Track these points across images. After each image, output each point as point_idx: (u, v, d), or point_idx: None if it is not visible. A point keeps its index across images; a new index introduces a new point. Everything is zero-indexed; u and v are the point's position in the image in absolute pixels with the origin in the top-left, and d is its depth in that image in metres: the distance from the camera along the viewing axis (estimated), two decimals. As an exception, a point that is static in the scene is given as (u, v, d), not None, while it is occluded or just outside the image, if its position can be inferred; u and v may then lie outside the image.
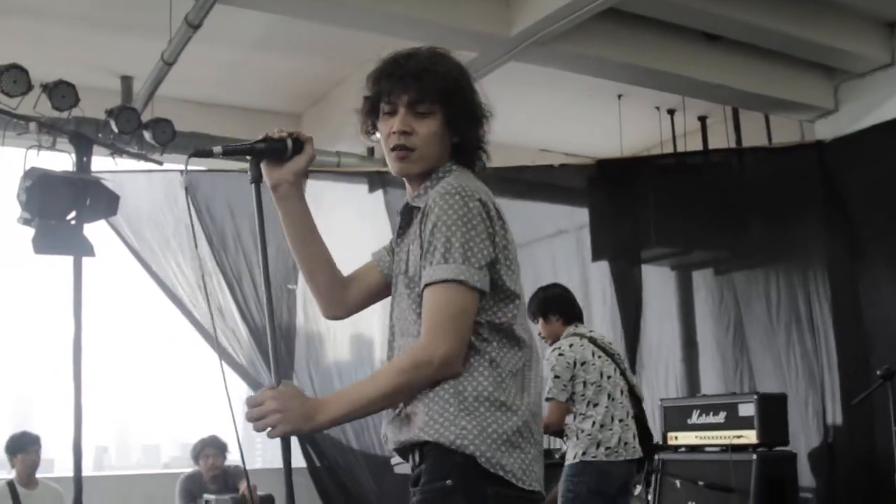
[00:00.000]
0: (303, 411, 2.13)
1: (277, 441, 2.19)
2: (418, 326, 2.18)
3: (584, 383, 5.17)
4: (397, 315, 2.31)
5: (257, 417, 2.12)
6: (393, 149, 2.30)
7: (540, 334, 5.39)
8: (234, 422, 2.33)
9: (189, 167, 2.39)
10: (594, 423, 5.04)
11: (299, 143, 2.33)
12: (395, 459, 4.86)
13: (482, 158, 2.46)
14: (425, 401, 2.15)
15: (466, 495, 2.10)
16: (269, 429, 2.12)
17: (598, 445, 5.02)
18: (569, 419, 5.16)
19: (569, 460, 5.08)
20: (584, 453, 5.04)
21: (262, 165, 2.32)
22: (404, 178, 2.39)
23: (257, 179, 2.31)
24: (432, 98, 2.29)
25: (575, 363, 5.19)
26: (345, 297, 2.51)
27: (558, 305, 5.48)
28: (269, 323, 2.34)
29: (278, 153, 2.33)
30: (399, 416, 2.22)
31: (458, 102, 2.34)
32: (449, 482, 2.11)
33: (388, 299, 2.42)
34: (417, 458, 2.20)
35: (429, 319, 2.14)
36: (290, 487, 2.30)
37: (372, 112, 2.35)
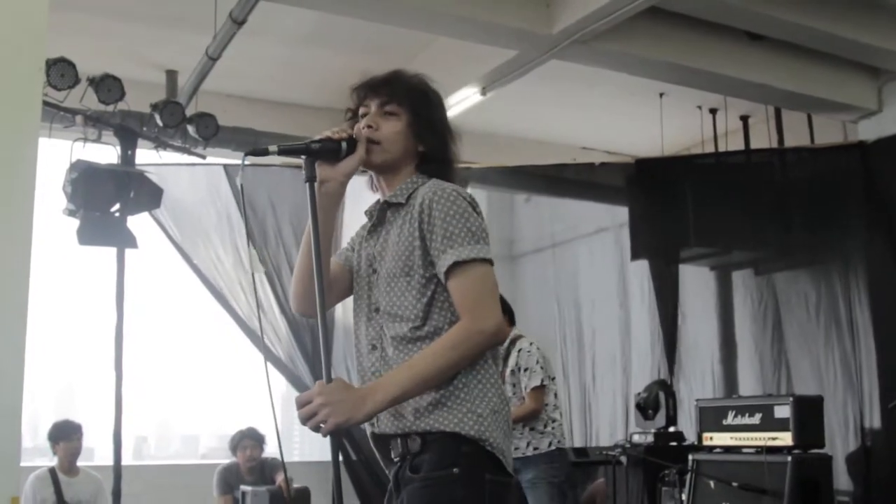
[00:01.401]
0: (353, 399, 2.20)
1: (315, 435, 2.23)
2: (417, 310, 2.34)
3: (551, 378, 5.57)
4: (387, 303, 2.39)
5: (308, 416, 2.19)
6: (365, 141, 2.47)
7: None
8: (274, 414, 2.41)
9: (241, 162, 2.44)
10: (561, 413, 5.43)
11: (353, 145, 2.43)
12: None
13: (451, 177, 2.53)
14: (440, 391, 2.27)
15: (469, 485, 2.22)
16: (322, 425, 2.18)
17: (563, 435, 5.51)
18: None
19: (543, 449, 5.35)
20: (559, 441, 5.47)
21: (317, 165, 2.41)
22: (376, 178, 2.57)
23: (312, 179, 2.39)
24: (399, 100, 2.50)
25: (544, 358, 5.52)
26: (329, 297, 2.56)
27: (505, 307, 5.54)
28: (321, 321, 2.36)
29: (333, 154, 2.42)
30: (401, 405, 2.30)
31: (423, 110, 2.52)
32: (456, 470, 2.22)
33: None
34: (416, 446, 2.29)
35: (469, 295, 2.29)
36: (338, 483, 2.30)
37: (353, 118, 2.55)
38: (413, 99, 2.52)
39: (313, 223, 2.36)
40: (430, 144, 2.52)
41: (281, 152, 2.37)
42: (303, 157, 2.40)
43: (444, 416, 2.26)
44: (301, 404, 2.21)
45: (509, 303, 5.64)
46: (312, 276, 2.37)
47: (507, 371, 5.46)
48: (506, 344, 5.50)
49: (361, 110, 2.53)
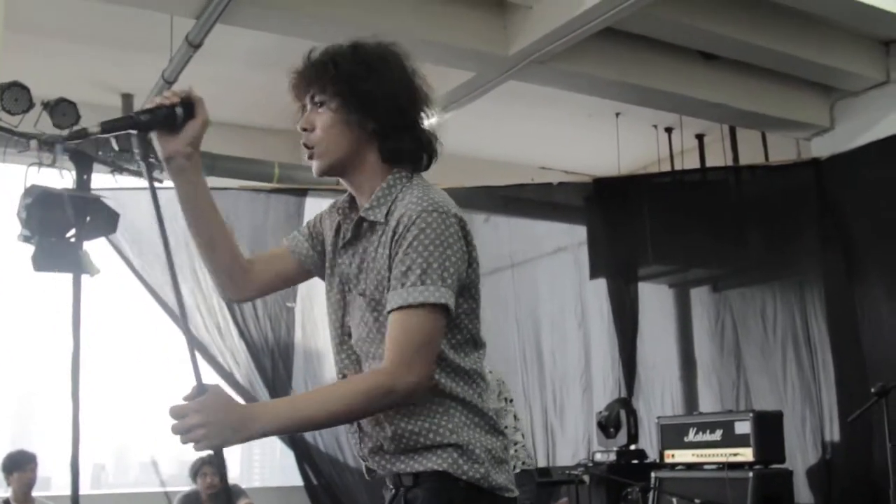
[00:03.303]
0: (230, 421, 1.92)
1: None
2: (384, 349, 2.04)
3: (510, 400, 5.59)
4: (358, 336, 2.17)
5: (182, 430, 1.92)
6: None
7: None
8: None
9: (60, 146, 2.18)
10: (523, 434, 5.43)
11: (190, 107, 2.10)
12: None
13: (420, 152, 2.21)
14: (428, 437, 2.07)
15: None
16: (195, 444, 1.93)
17: (529, 456, 5.56)
18: None
19: None
20: (524, 463, 5.47)
21: (154, 138, 2.10)
22: (342, 182, 2.25)
23: (146, 157, 2.14)
24: (320, 87, 2.14)
25: (498, 381, 5.50)
26: (248, 279, 2.33)
27: None
28: (182, 322, 2.18)
29: (168, 122, 2.08)
30: (389, 449, 2.12)
31: (349, 85, 2.11)
32: None
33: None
34: (409, 481, 2.10)
35: (396, 345, 1.99)
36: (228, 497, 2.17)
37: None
38: (332, 77, 2.12)
39: (156, 208, 2.07)
40: (379, 119, 2.12)
41: (104, 130, 2.00)
42: (132, 133, 2.06)
43: (433, 456, 2.06)
44: (175, 416, 1.92)
45: None
46: (214, 254, 2.20)
47: None
48: None
49: (302, 108, 2.21)
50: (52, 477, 7.06)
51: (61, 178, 5.38)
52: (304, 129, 2.17)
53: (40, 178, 5.24)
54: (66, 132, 5.82)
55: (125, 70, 7.38)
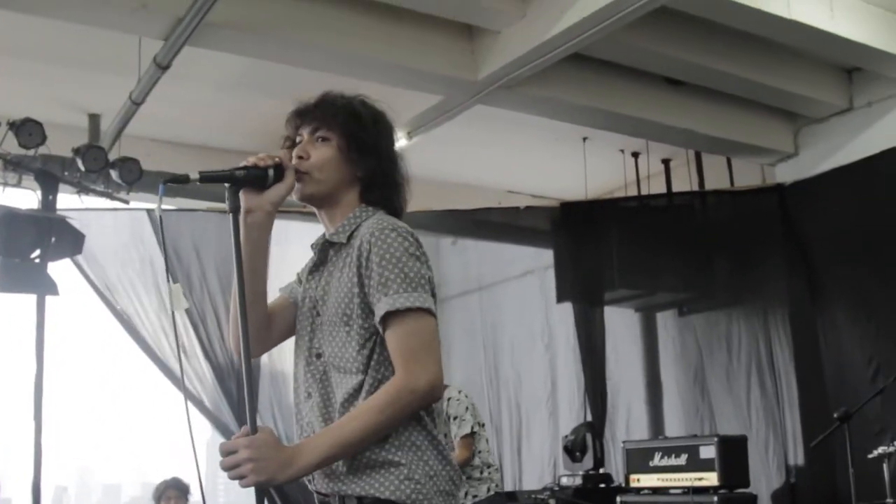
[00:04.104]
0: (279, 460, 2.06)
1: (240, 484, 2.15)
2: (359, 362, 2.17)
3: (480, 424, 5.59)
4: (330, 352, 2.24)
5: (230, 466, 2.05)
6: None
7: None
8: (197, 464, 2.32)
9: (159, 203, 2.26)
10: (494, 457, 5.45)
11: (281, 172, 2.27)
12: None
13: (399, 204, 2.41)
14: (374, 451, 2.13)
15: None
16: (242, 480, 2.05)
17: (501, 480, 5.44)
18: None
19: (481, 496, 5.34)
20: (496, 486, 5.49)
21: (241, 193, 2.26)
22: (317, 212, 2.40)
23: (236, 209, 2.24)
24: (328, 124, 2.34)
25: (472, 405, 5.51)
26: (267, 337, 2.44)
27: None
28: (244, 365, 2.20)
29: (259, 181, 2.26)
30: (337, 464, 2.16)
31: (355, 132, 2.34)
32: None
33: None
34: None
35: (402, 350, 2.12)
36: None
37: (291, 147, 2.38)
38: (343, 121, 2.34)
39: (236, 257, 2.20)
40: (368, 168, 2.35)
41: (203, 179, 2.17)
42: (226, 185, 2.23)
43: (378, 480, 2.12)
44: (225, 452, 2.07)
45: None
46: (252, 311, 2.24)
47: None
48: None
49: (297, 139, 2.38)
50: (13, 499, 6.96)
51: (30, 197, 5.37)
52: (300, 157, 2.33)
53: (5, 199, 5.23)
54: (33, 152, 5.80)
55: (92, 90, 7.34)
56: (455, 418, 5.41)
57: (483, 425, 5.70)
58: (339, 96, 2.40)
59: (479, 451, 5.51)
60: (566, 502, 6.72)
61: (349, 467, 2.14)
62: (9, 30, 6.33)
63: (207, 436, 7.66)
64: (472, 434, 5.43)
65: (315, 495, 2.30)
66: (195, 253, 7.59)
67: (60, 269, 5.39)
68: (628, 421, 8.23)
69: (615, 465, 7.55)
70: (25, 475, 5.03)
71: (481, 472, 5.37)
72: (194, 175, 2.16)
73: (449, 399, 5.45)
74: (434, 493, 2.12)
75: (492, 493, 5.38)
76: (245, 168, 2.25)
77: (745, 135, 8.00)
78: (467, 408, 5.45)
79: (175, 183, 2.16)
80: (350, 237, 2.28)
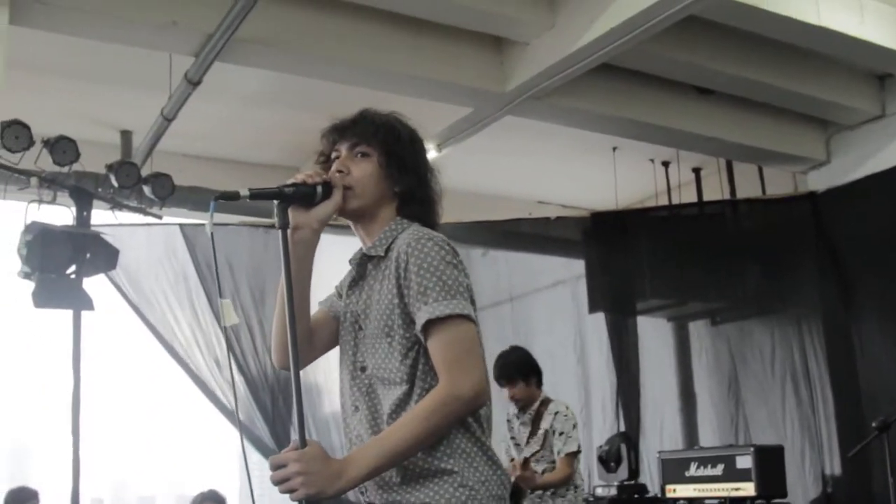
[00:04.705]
0: (328, 473, 2.07)
1: (278, 497, 2.14)
2: (402, 372, 2.19)
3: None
4: (374, 364, 2.26)
5: (280, 480, 2.06)
6: None
7: (514, 397, 5.42)
8: (249, 477, 2.31)
9: (210, 219, 2.28)
10: (582, 480, 5.37)
11: (329, 189, 2.29)
12: None
13: (434, 219, 2.43)
14: (426, 460, 2.14)
15: None
16: (291, 493, 2.06)
17: (582, 502, 5.38)
18: None
19: None
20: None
21: (290, 210, 2.27)
22: (354, 227, 2.42)
23: (285, 225, 2.25)
24: (368, 141, 2.36)
25: (577, 424, 5.43)
26: (310, 350, 2.44)
27: (539, 371, 5.54)
28: (294, 378, 2.17)
29: (307, 198, 2.28)
30: (390, 474, 2.17)
31: (395, 148, 2.37)
32: None
33: None
34: None
35: (445, 357, 2.13)
36: None
37: (326, 163, 2.41)
38: (383, 138, 2.36)
39: (286, 272, 2.20)
40: (406, 184, 2.37)
41: (252, 196, 2.18)
42: (275, 202, 2.25)
43: (433, 489, 2.14)
44: (275, 466, 2.08)
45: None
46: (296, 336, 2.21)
47: (540, 432, 5.37)
48: (535, 405, 5.42)
49: (333, 155, 2.40)
50: (51, 513, 7.03)
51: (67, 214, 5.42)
52: (340, 171, 2.34)
53: (40, 216, 5.28)
54: (67, 169, 5.86)
55: (124, 108, 7.42)
56: (561, 434, 5.32)
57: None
58: (378, 113, 2.43)
59: (577, 472, 5.43)
60: (601, 513, 6.69)
61: (402, 477, 2.16)
62: (41, 49, 6.41)
63: (239, 449, 7.68)
64: (578, 453, 5.36)
65: None
66: (228, 267, 7.64)
67: (95, 285, 5.45)
68: (662, 431, 8.18)
69: (649, 476, 7.51)
70: (62, 488, 5.08)
71: (566, 491, 5.28)
72: (244, 192, 2.18)
73: (556, 413, 5.37)
74: (487, 499, 2.14)
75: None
76: (294, 185, 2.27)
77: (776, 143, 7.95)
78: (574, 425, 5.38)
79: (225, 200, 2.18)
80: (388, 250, 2.30)
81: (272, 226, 2.29)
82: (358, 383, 2.29)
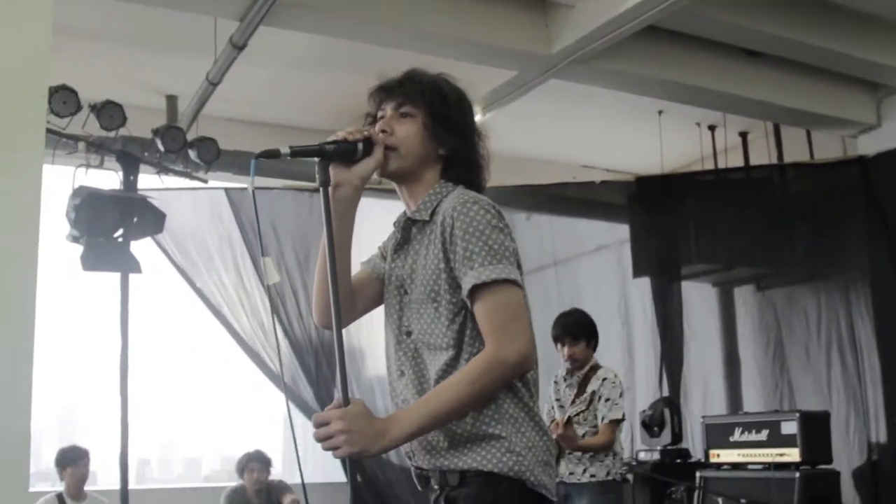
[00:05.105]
0: (371, 432, 2.07)
1: (319, 457, 2.16)
2: (448, 338, 2.18)
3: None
4: (420, 329, 2.24)
5: (323, 437, 2.08)
6: None
7: (572, 356, 5.42)
8: (294, 438, 2.32)
9: (252, 178, 2.26)
10: (622, 448, 5.35)
11: (370, 146, 2.28)
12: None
13: (480, 181, 2.41)
14: (474, 424, 2.14)
15: None
16: (335, 451, 2.08)
17: (621, 469, 5.39)
18: None
19: (599, 477, 5.24)
20: (617, 473, 5.34)
21: (331, 167, 2.26)
22: (398, 188, 2.42)
23: (325, 182, 2.24)
24: (413, 101, 2.34)
25: (623, 393, 5.47)
26: (351, 310, 2.43)
27: (597, 335, 5.55)
28: (336, 337, 2.18)
29: (348, 156, 2.27)
30: (437, 438, 2.18)
31: (439, 110, 2.34)
32: None
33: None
34: (454, 480, 2.17)
35: (491, 322, 2.12)
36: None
37: (373, 123, 2.39)
38: (429, 98, 2.35)
39: (327, 230, 2.20)
40: (451, 145, 2.35)
41: (293, 154, 2.18)
42: (316, 159, 2.25)
43: (480, 454, 2.13)
44: (318, 424, 2.09)
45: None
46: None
47: (585, 394, 5.38)
48: (585, 369, 5.44)
49: (379, 115, 2.39)
50: (98, 472, 7.15)
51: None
52: (384, 131, 2.32)
53: (88, 180, 5.34)
54: (114, 134, 5.91)
55: (170, 72, 7.46)
56: (607, 400, 5.32)
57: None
58: (425, 74, 2.41)
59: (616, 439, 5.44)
60: (644, 477, 6.70)
61: (450, 442, 2.16)
62: (88, 14, 6.45)
63: (285, 410, 7.77)
64: (621, 420, 5.38)
65: (413, 470, 2.32)
66: (273, 230, 7.70)
67: (143, 248, 5.50)
68: (705, 396, 8.15)
69: (692, 441, 7.50)
70: (109, 449, 5.15)
71: (605, 456, 5.29)
72: (285, 150, 2.17)
73: (604, 380, 5.38)
74: (534, 464, 2.13)
75: (609, 478, 5.32)
76: (335, 142, 2.26)
77: (825, 106, 7.83)
78: (621, 394, 5.39)
79: (266, 158, 2.18)
80: (433, 214, 2.28)
81: (317, 190, 2.29)
82: (403, 348, 2.28)
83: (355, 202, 2.33)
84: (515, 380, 2.17)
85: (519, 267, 2.20)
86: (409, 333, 2.27)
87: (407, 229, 2.36)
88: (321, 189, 2.24)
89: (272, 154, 2.16)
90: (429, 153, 2.35)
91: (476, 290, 2.13)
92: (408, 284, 2.30)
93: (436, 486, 2.23)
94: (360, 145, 2.26)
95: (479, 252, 2.13)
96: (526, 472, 2.11)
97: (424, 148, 2.34)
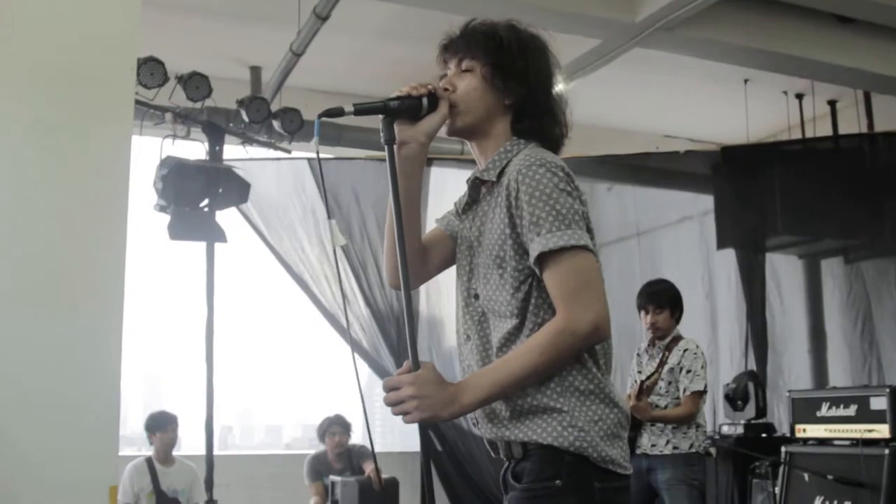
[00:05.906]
0: (442, 397, 2.02)
1: (396, 425, 2.13)
2: (513, 306, 2.10)
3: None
4: (485, 295, 2.17)
5: (394, 402, 2.03)
6: None
7: (655, 324, 5.37)
8: (364, 407, 2.29)
9: (316, 138, 2.28)
10: (705, 420, 5.28)
11: (435, 101, 2.20)
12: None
13: (556, 133, 2.29)
14: (535, 396, 2.07)
15: (576, 493, 2.04)
16: (405, 416, 2.03)
17: (704, 442, 5.36)
18: None
19: (682, 450, 5.19)
20: (700, 445, 5.30)
21: (395, 124, 2.20)
22: (470, 146, 2.32)
23: (390, 141, 2.18)
24: (470, 53, 2.25)
25: (706, 364, 5.42)
26: (423, 269, 2.38)
27: (682, 306, 5.50)
28: (405, 297, 2.14)
29: (413, 112, 2.19)
30: (500, 408, 2.13)
31: (498, 58, 2.23)
32: (559, 482, 2.05)
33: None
34: (518, 452, 2.12)
35: (562, 291, 2.02)
36: (428, 474, 2.21)
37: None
38: (485, 48, 2.23)
39: (393, 188, 2.14)
40: (516, 95, 2.22)
41: (357, 112, 2.13)
42: (380, 116, 2.19)
43: (541, 427, 2.06)
44: (388, 388, 2.04)
45: None
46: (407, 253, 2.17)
47: (667, 366, 5.34)
48: (667, 340, 5.40)
49: (447, 74, 2.30)
50: (182, 437, 7.31)
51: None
52: (446, 90, 2.24)
53: (175, 150, 5.43)
54: (200, 105, 5.99)
55: (254, 44, 7.54)
56: (689, 371, 5.29)
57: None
58: (482, 23, 2.30)
59: (699, 411, 5.40)
60: (727, 451, 6.63)
61: (511, 412, 2.10)
62: (175, -14, 6.53)
63: (365, 379, 7.85)
64: (703, 392, 5.34)
65: (484, 438, 2.27)
66: (355, 201, 7.75)
67: (228, 218, 5.58)
68: (790, 370, 8.03)
69: (777, 415, 7.40)
70: (193, 415, 5.26)
71: (688, 428, 5.25)
72: (349, 108, 2.12)
73: (685, 351, 5.35)
74: (599, 439, 2.05)
75: (693, 450, 5.28)
76: (398, 98, 2.19)
77: (918, 73, 7.63)
78: (703, 365, 5.35)
79: (330, 117, 2.14)
80: (500, 174, 2.18)
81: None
82: (471, 311, 2.22)
83: (422, 160, 2.26)
84: (584, 351, 2.08)
85: (590, 231, 2.10)
86: (476, 296, 2.21)
87: (476, 189, 2.26)
88: (386, 147, 2.19)
89: (336, 113, 2.13)
90: (493, 106, 2.24)
91: (544, 257, 2.03)
92: (476, 247, 2.21)
93: (504, 458, 2.20)
94: (425, 100, 2.19)
95: (547, 217, 2.02)
96: (588, 448, 2.04)
97: (486, 101, 2.23)
